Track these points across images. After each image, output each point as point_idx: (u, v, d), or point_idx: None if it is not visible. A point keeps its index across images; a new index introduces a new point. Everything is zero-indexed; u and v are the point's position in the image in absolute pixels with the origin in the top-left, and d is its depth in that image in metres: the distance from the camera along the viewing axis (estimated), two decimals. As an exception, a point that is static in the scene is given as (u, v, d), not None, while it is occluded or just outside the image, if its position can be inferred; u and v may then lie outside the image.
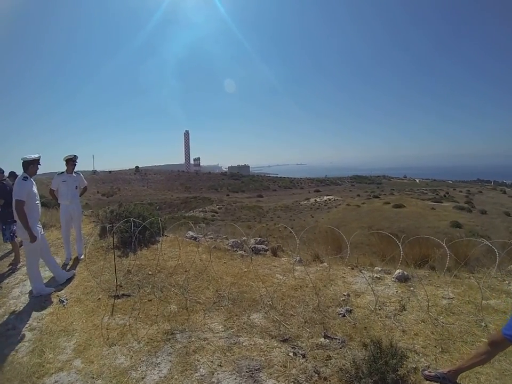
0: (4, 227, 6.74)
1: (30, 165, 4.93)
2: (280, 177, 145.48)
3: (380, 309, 4.09)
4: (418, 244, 7.77)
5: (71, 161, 6.33)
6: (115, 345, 3.64)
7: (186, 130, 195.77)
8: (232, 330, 3.79)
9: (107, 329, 3.97)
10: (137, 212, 7.40)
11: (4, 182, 6.99)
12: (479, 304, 4.07)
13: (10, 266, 6.55)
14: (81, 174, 6.60)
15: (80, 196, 6.65)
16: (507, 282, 5.25)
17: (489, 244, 4.28)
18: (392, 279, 4.98)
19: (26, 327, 4.22)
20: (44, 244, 5.23)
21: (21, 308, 4.77)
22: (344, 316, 3.93)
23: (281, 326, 3.83)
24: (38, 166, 5.09)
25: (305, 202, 72.13)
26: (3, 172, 7.86)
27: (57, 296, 5.02)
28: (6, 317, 4.54)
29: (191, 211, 62.92)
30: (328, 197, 75.37)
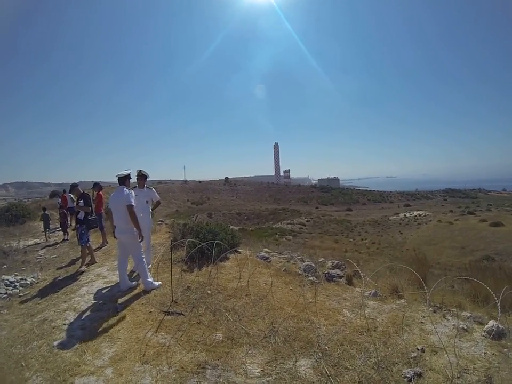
0: (82, 232, 7.12)
1: (127, 180, 5.63)
2: (370, 190, 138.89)
3: (458, 377, 3.09)
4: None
5: (142, 177, 6.54)
6: (148, 363, 3.44)
7: (275, 143, 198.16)
8: (268, 379, 3.19)
9: (147, 345, 3.79)
10: (209, 228, 7.23)
11: (87, 193, 7.44)
12: None
13: (85, 265, 6.95)
14: (153, 189, 6.75)
15: (153, 210, 6.86)
16: None
17: None
18: (483, 334, 3.88)
19: (80, 325, 4.41)
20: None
21: (82, 307, 5.02)
22: (410, 381, 3.05)
23: (329, 382, 3.13)
24: (129, 179, 5.78)
25: (394, 217, 67.69)
26: (96, 186, 8.48)
27: (115, 301, 5.12)
28: (67, 312, 4.85)
29: (279, 223, 62.92)
30: (418, 212, 69.69)
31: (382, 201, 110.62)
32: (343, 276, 6.06)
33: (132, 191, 5.66)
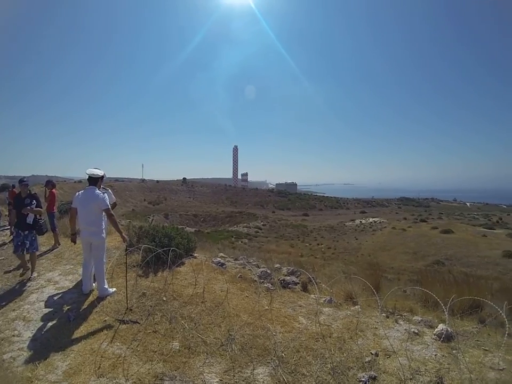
0: (33, 238, 6.64)
1: (99, 180, 5.56)
2: (327, 196, 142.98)
3: (411, 378, 3.29)
4: (467, 284, 6.78)
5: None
6: (103, 376, 3.33)
7: (235, 146, 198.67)
8: (226, 388, 3.20)
9: (102, 356, 3.66)
10: (165, 231, 7.12)
11: (35, 193, 7.00)
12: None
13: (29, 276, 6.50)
14: (109, 190, 6.47)
15: None
16: None
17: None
18: (433, 337, 4.14)
19: (30, 337, 4.19)
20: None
21: (32, 316, 4.76)
22: (365, 384, 3.21)
23: (287, 389, 3.18)
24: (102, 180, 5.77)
25: (350, 223, 70.36)
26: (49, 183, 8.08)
27: (68, 309, 4.91)
28: (16, 322, 4.58)
29: (235, 226, 63.22)
30: (373, 219, 73.04)
31: (339, 207, 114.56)
32: (298, 283, 6.17)
33: (105, 193, 5.53)
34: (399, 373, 3.37)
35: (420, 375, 3.37)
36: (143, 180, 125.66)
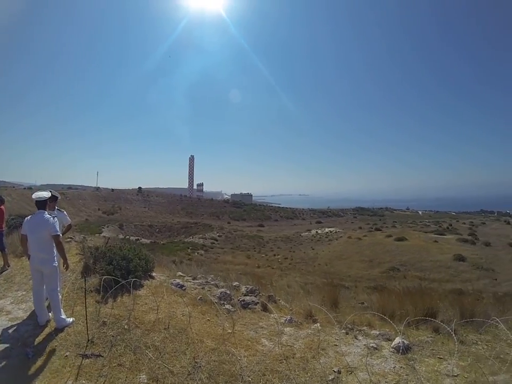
0: None
1: (48, 203, 5.32)
2: (283, 207, 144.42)
3: None
4: (421, 294, 7.22)
5: (53, 198, 5.87)
6: None
7: (191, 155, 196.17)
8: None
9: None
10: (122, 253, 6.94)
11: None
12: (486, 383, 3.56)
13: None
14: (64, 212, 6.27)
15: (63, 235, 6.29)
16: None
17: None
18: (391, 350, 4.41)
19: None
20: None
21: None
22: (331, 402, 3.35)
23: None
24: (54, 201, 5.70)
25: (306, 233, 71.66)
26: None
27: (25, 344, 4.54)
28: None
29: (191, 237, 62.50)
30: (329, 229, 74.99)
31: (295, 218, 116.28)
32: (258, 303, 6.26)
33: (56, 217, 5.26)
34: (361, 389, 3.56)
35: (381, 388, 3.58)
36: (97, 188, 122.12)
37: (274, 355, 4.34)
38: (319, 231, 72.64)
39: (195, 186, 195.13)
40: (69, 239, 10.92)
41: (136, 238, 54.68)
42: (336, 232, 70.59)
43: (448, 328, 4.62)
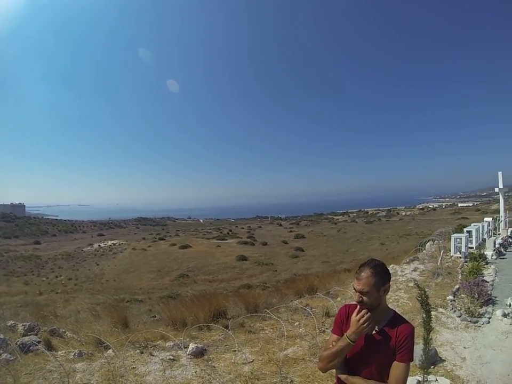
0: None
1: None
2: (60, 219, 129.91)
3: None
4: (208, 298, 7.70)
5: None
6: None
7: None
8: None
9: None
10: None
11: None
12: (279, 360, 4.02)
13: None
14: None
15: None
16: (297, 323, 5.54)
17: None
18: (188, 357, 4.46)
19: None
20: None
21: None
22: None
23: None
24: None
25: (88, 248, 66.94)
26: None
27: None
28: None
29: None
30: (112, 242, 72.16)
31: (75, 231, 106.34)
32: (40, 341, 5.26)
33: None
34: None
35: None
36: None
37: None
38: (102, 245, 69.08)
39: None
40: None
41: None
42: (120, 244, 68.75)
43: (235, 322, 5.07)
